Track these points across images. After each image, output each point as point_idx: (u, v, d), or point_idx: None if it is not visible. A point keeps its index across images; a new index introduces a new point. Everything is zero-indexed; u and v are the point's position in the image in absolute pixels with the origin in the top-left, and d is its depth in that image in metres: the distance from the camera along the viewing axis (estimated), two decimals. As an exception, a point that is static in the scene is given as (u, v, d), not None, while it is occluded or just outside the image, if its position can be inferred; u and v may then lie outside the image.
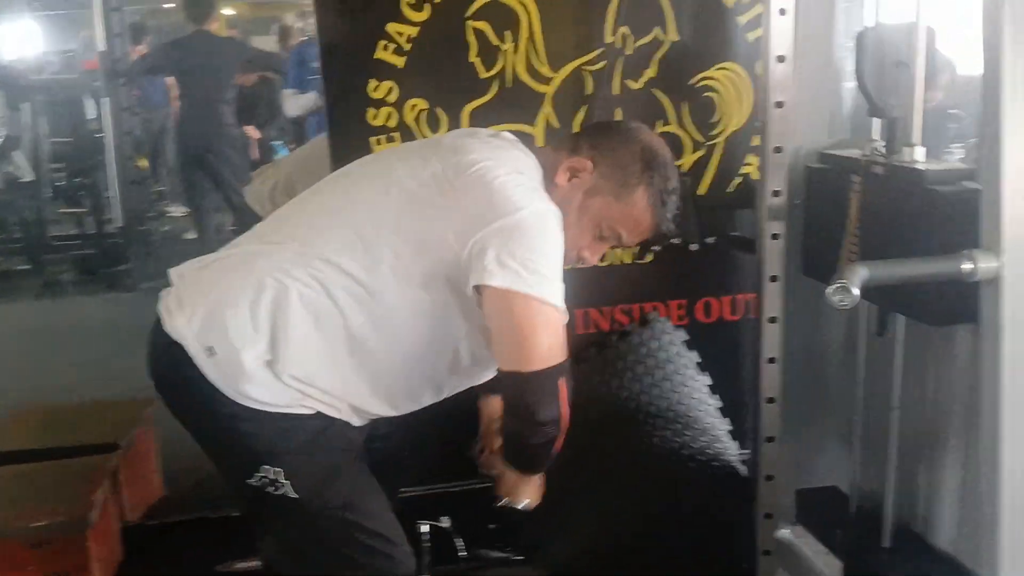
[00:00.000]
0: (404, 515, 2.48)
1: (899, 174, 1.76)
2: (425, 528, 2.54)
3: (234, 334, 1.57)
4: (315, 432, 1.63)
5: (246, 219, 5.84)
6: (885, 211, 1.75)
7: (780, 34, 1.76)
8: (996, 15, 1.51)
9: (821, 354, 2.18)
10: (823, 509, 2.24)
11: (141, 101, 7.74)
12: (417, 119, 2.41)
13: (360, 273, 1.59)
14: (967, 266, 1.56)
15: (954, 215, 1.62)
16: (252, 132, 6.07)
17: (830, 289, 1.46)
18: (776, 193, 1.79)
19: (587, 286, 2.62)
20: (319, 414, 1.63)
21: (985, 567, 1.81)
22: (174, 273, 1.73)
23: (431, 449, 2.20)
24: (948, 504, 1.95)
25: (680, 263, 2.59)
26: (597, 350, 2.57)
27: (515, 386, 1.59)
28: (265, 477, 1.60)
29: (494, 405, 2.03)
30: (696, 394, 2.56)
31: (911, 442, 1.97)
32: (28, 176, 6.97)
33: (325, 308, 1.59)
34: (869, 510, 2.09)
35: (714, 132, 2.54)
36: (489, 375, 1.80)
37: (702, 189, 2.55)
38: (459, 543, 2.58)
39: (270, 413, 1.59)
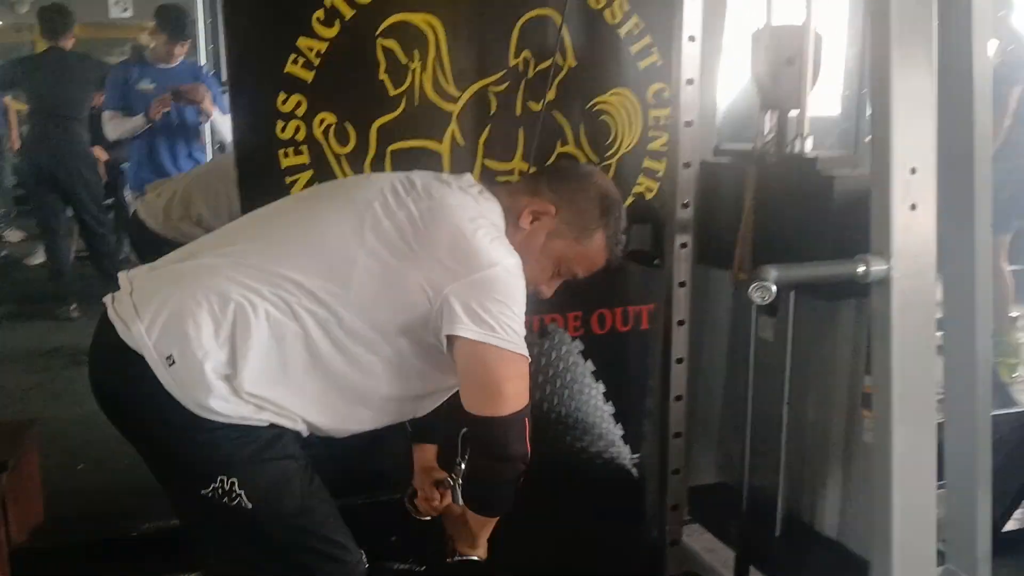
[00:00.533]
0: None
1: (791, 163, 1.94)
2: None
3: (195, 344, 1.56)
4: (268, 441, 1.63)
5: (95, 244, 5.69)
6: (778, 198, 1.93)
7: (689, 59, 1.91)
8: (883, 22, 1.70)
9: (714, 353, 2.35)
10: (714, 504, 2.40)
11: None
12: (326, 133, 2.44)
13: (327, 298, 1.61)
14: (861, 269, 1.74)
15: (845, 201, 1.81)
16: (99, 153, 5.86)
17: (752, 288, 1.61)
18: (685, 205, 1.93)
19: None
20: (272, 425, 1.64)
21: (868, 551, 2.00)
22: (124, 277, 1.69)
23: (348, 460, 2.23)
24: (832, 494, 2.13)
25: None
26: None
27: (487, 429, 1.66)
28: (220, 488, 1.59)
29: (428, 453, 2.11)
30: (592, 401, 2.69)
31: (798, 436, 2.14)
32: None
33: (289, 327, 1.60)
34: (760, 504, 2.26)
35: (609, 153, 2.69)
36: (436, 404, 1.86)
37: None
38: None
39: (225, 424, 1.59)
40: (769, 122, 2.03)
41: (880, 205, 1.75)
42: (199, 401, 1.56)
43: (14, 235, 7.72)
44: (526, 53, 2.56)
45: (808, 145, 1.93)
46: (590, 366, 2.71)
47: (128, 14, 9.87)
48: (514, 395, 1.64)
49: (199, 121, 4.64)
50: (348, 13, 2.40)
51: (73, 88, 5.42)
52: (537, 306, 2.68)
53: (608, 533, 2.51)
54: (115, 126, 4.61)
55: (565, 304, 2.74)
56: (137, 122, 4.52)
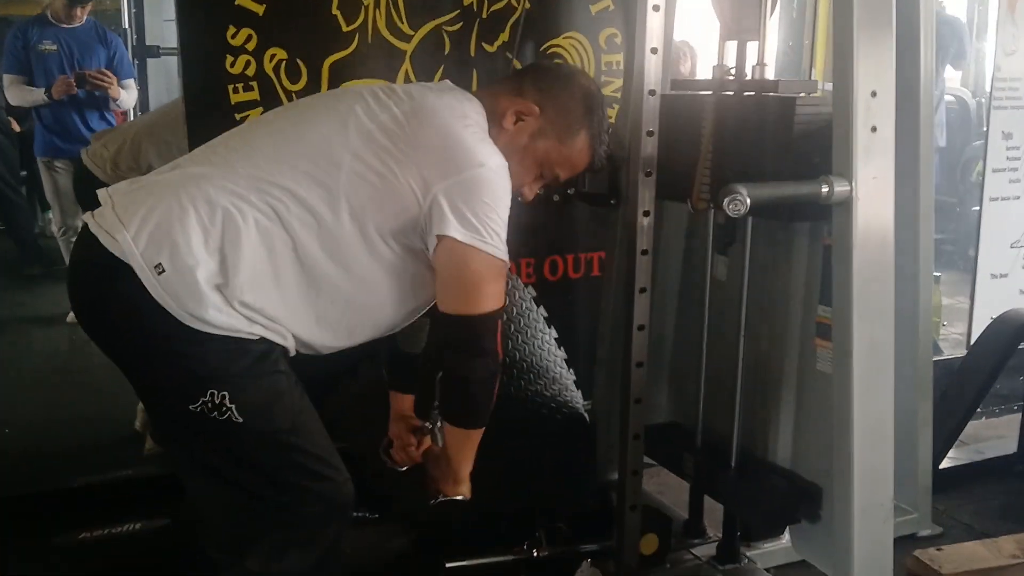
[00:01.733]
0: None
1: (751, 89, 1.96)
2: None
3: (186, 252, 1.49)
4: (260, 355, 1.58)
5: (11, 214, 5.46)
6: (738, 127, 1.95)
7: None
8: (846, 9, 1.75)
9: (666, 288, 2.37)
10: (668, 442, 2.42)
11: None
12: (276, 68, 2.39)
13: (316, 204, 1.57)
14: (824, 189, 1.77)
15: (805, 126, 1.84)
16: (14, 125, 5.64)
17: (725, 200, 1.62)
18: (650, 133, 1.94)
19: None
20: (263, 339, 1.58)
21: (821, 477, 2.04)
22: (103, 193, 1.61)
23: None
24: (785, 425, 2.16)
25: (532, 221, 2.71)
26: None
27: (462, 326, 1.66)
28: (209, 402, 1.53)
29: (404, 402, 2.08)
30: (546, 347, 2.68)
31: (752, 369, 2.17)
32: None
33: (278, 235, 1.55)
34: (714, 439, 2.28)
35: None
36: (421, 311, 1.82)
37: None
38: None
39: (216, 336, 1.52)
40: (729, 52, 2.05)
41: (842, 127, 1.80)
42: (191, 311, 1.50)
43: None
44: (479, -7, 2.54)
45: (769, 74, 1.95)
46: (543, 312, 2.70)
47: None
48: (492, 295, 1.65)
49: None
50: (301, -55, 2.36)
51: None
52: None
53: (562, 473, 2.51)
54: (15, 93, 4.41)
55: (518, 251, 2.73)
56: (37, 96, 4.34)
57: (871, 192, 1.79)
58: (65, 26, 4.48)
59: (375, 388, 2.57)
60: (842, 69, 1.78)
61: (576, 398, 2.74)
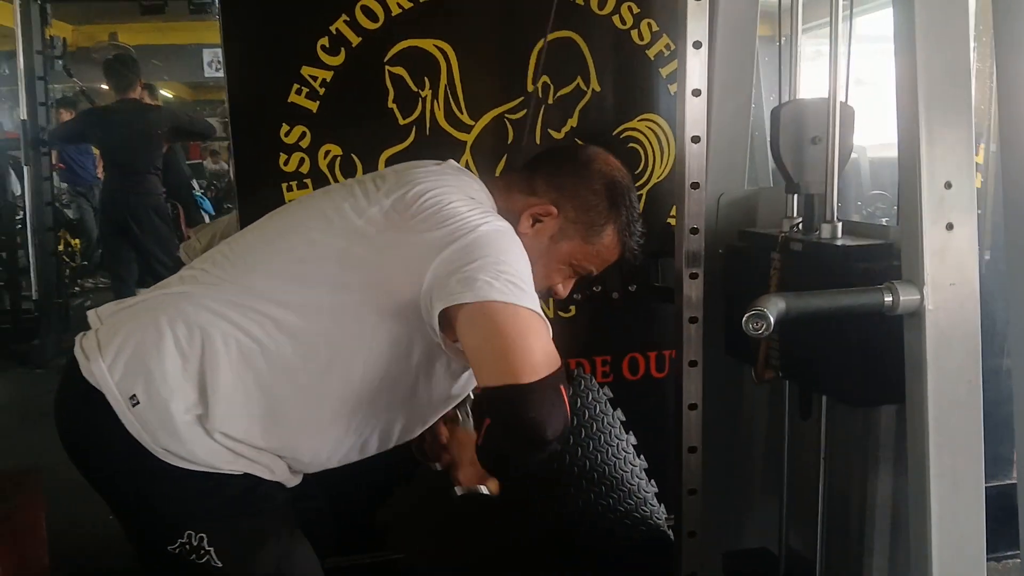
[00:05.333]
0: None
1: (817, 251, 1.74)
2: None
3: (160, 382, 1.41)
4: (243, 493, 1.47)
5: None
6: (805, 288, 1.70)
7: (695, 68, 1.73)
8: (910, 83, 1.50)
9: (747, 437, 2.13)
10: (753, 571, 2.15)
11: (67, 172, 7.61)
12: (331, 165, 2.32)
13: (300, 316, 1.45)
14: (888, 299, 1.50)
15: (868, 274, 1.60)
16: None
17: (745, 317, 1.39)
18: (694, 231, 1.73)
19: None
20: (247, 475, 1.48)
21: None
22: (92, 315, 1.56)
23: (355, 512, 2.07)
24: (879, 564, 1.86)
25: (605, 317, 2.51)
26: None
27: (512, 402, 1.34)
28: (187, 544, 1.44)
29: None
30: (622, 454, 2.46)
31: (838, 501, 1.89)
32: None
33: (261, 355, 1.44)
34: (800, 572, 2.00)
35: (639, 183, 2.50)
36: (438, 415, 1.66)
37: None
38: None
39: (194, 472, 1.43)
40: (795, 205, 1.87)
41: (910, 224, 1.52)
42: (166, 446, 1.41)
43: (97, 283, 7.90)
44: (545, 78, 2.40)
45: (838, 231, 1.71)
46: (620, 415, 2.48)
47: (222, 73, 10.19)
48: (539, 353, 1.35)
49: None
50: (354, 40, 2.29)
51: (144, 138, 5.50)
52: (561, 349, 2.54)
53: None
54: None
55: (593, 347, 2.54)
56: None
57: (947, 301, 1.51)
58: None
59: (432, 496, 2.43)
60: (908, 157, 1.52)
61: (657, 512, 2.49)
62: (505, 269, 1.38)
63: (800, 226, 1.87)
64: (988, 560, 2.01)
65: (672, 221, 2.49)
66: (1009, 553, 2.51)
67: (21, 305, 6.25)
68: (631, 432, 2.49)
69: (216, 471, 1.44)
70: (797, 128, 1.83)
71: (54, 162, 7.04)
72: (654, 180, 2.51)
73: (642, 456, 2.52)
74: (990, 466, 1.66)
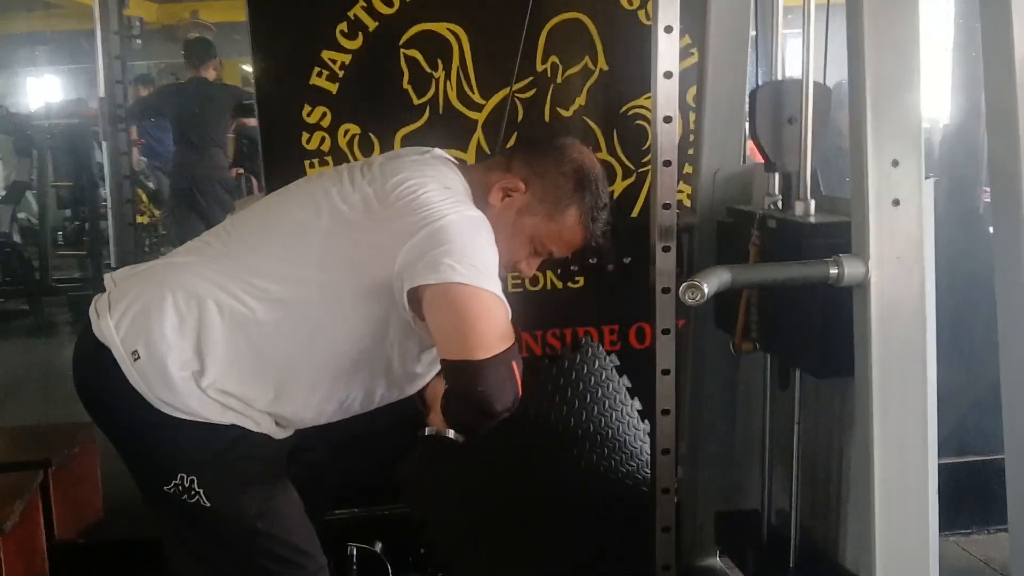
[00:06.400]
0: (329, 536, 2.52)
1: (787, 227, 1.81)
2: (352, 550, 2.56)
3: (159, 340, 1.58)
4: (230, 442, 1.64)
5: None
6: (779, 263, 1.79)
7: (666, 51, 1.81)
8: (858, 58, 1.56)
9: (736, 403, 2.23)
10: (739, 532, 2.24)
11: (147, 147, 7.94)
12: (350, 143, 2.47)
13: (288, 289, 1.61)
14: (833, 271, 1.57)
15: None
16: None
17: (682, 288, 1.48)
18: (666, 206, 1.82)
19: (519, 310, 2.65)
20: (235, 426, 1.65)
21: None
22: (108, 278, 1.75)
23: (353, 465, 2.22)
24: (852, 522, 1.94)
25: (613, 288, 2.61)
26: (528, 374, 2.59)
27: (466, 376, 1.52)
28: (179, 485, 1.62)
29: None
30: (625, 419, 2.57)
31: (814, 461, 1.97)
32: (35, 220, 7.18)
33: (252, 321, 1.60)
34: (781, 532, 2.09)
35: (645, 159, 2.59)
36: (416, 388, 1.81)
37: (634, 213, 2.58)
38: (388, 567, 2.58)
39: (187, 421, 1.60)
40: (775, 183, 1.93)
41: (857, 201, 1.59)
42: (163, 397, 1.59)
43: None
44: (554, 58, 2.50)
45: (811, 208, 1.79)
46: (625, 382, 2.59)
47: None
48: (492, 334, 1.51)
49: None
50: (371, 25, 2.43)
51: (213, 114, 5.76)
52: (570, 318, 2.65)
53: (640, 556, 2.38)
54: None
55: (601, 316, 2.65)
56: None
57: (892, 274, 1.57)
58: None
59: (442, 456, 2.57)
60: (856, 134, 1.59)
61: (660, 474, 2.60)
62: (468, 254, 1.52)
63: (780, 203, 1.94)
64: (981, 532, 2.06)
65: (681, 197, 2.59)
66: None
67: (103, 273, 6.62)
68: (636, 398, 2.60)
69: (207, 421, 1.61)
70: (775, 108, 1.89)
71: (135, 137, 7.41)
72: (661, 156, 2.59)
73: (646, 421, 2.63)
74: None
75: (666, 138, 1.81)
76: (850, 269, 1.57)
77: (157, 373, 1.58)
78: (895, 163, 1.57)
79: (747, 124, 2.01)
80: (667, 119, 1.81)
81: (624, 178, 2.59)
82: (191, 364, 1.59)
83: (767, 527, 2.11)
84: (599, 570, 2.35)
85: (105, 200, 6.49)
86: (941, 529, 1.72)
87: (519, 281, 2.62)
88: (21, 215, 7.57)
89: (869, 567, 1.62)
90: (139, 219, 6.74)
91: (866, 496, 1.62)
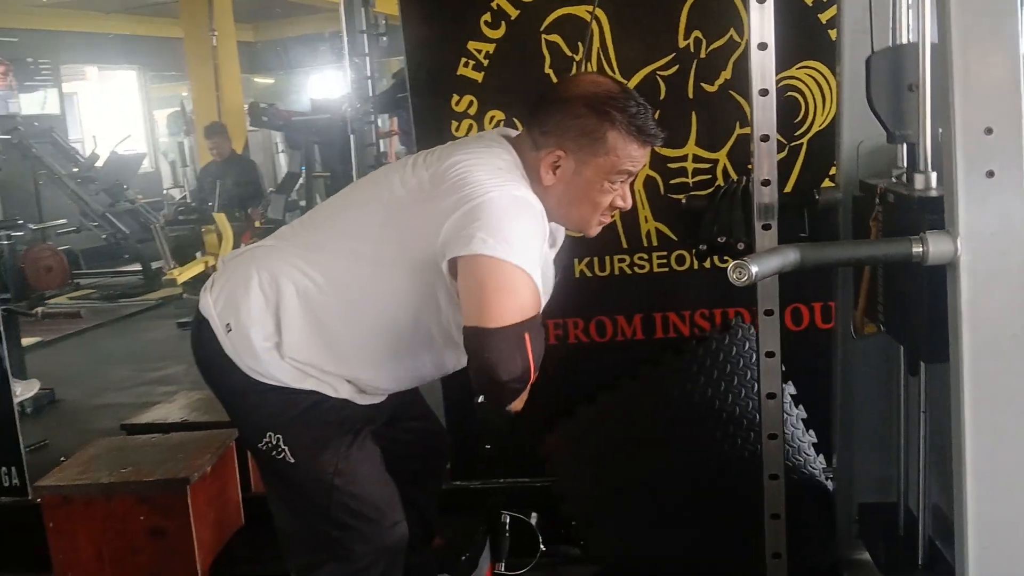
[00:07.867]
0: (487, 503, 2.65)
1: (907, 202, 1.69)
2: (507, 518, 2.67)
3: (245, 315, 1.78)
4: (309, 406, 1.81)
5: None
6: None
7: (759, 22, 1.75)
8: (944, 9, 1.43)
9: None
10: (878, 526, 2.11)
11: (404, 136, 8.47)
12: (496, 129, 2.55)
13: (349, 266, 1.76)
14: (917, 249, 1.46)
15: None
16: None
17: (730, 265, 1.43)
18: (766, 183, 1.75)
19: (667, 291, 2.64)
20: (314, 391, 1.81)
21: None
22: (221, 259, 2.00)
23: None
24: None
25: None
26: (673, 354, 2.57)
27: (474, 342, 1.58)
28: (269, 442, 1.81)
29: None
30: (775, 403, 2.48)
31: (941, 452, 1.82)
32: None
33: (318, 296, 1.77)
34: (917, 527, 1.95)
35: (799, 132, 2.47)
36: None
37: (787, 188, 2.48)
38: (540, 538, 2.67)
39: (272, 386, 1.79)
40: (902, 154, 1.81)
41: (947, 171, 1.46)
42: (250, 365, 1.78)
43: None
44: (696, 33, 2.45)
45: (931, 181, 1.65)
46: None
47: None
48: (508, 306, 1.56)
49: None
50: (513, 13, 2.51)
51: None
52: (721, 299, 2.59)
53: (793, 546, 2.29)
54: None
55: (753, 297, 2.55)
56: None
57: (987, 253, 1.43)
58: None
59: (589, 431, 2.61)
60: (944, 100, 1.45)
61: (813, 461, 2.50)
62: (502, 228, 1.57)
63: (904, 176, 1.81)
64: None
65: (834, 173, 2.45)
66: None
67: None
68: (790, 382, 2.50)
69: (289, 387, 1.78)
70: (893, 76, 1.76)
71: (394, 128, 7.96)
72: (815, 129, 2.48)
73: (800, 406, 2.52)
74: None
75: (763, 112, 1.74)
76: (937, 247, 1.44)
77: (244, 344, 1.77)
78: (988, 131, 1.42)
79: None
80: (763, 92, 1.74)
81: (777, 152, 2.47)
82: (272, 337, 1.76)
83: (903, 521, 1.98)
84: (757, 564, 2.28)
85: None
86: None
87: (665, 261, 2.60)
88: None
89: (961, 557, 1.50)
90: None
91: (959, 486, 1.49)
